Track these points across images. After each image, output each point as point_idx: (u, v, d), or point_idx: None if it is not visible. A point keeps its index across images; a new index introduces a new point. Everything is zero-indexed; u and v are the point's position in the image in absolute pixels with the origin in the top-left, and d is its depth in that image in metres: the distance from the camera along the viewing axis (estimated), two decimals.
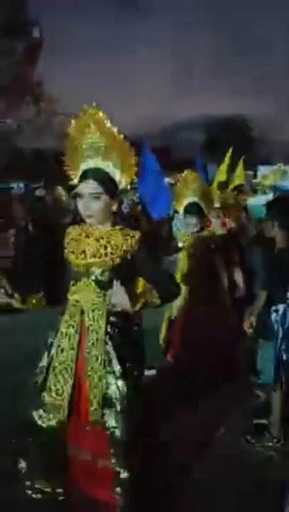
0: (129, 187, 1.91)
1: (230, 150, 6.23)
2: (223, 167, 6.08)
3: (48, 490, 1.84)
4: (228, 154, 6.19)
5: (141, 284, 1.93)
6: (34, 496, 1.86)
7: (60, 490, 1.84)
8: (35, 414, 1.82)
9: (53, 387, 1.78)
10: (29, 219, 6.82)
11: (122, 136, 1.78)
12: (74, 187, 1.88)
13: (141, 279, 1.91)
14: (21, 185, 10.33)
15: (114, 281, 1.67)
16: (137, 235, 1.79)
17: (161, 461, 2.09)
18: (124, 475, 1.70)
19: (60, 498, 1.84)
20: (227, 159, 6.16)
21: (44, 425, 1.80)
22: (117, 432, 1.70)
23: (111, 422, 1.70)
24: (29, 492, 1.86)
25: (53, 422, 1.78)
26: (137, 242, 1.76)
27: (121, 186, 1.83)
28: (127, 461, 1.72)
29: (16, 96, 12.22)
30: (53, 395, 1.77)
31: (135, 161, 1.82)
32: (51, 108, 14.95)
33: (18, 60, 12.85)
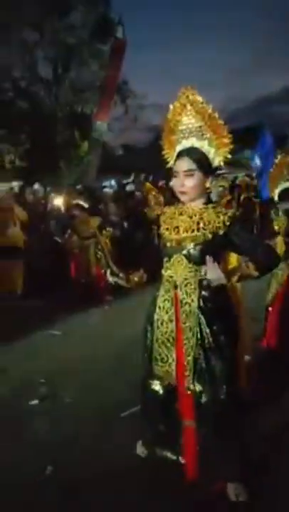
0: (221, 166, 1.98)
1: None
2: None
3: (172, 457, 2.08)
4: None
5: (233, 259, 2.01)
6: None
7: (180, 457, 2.06)
8: (150, 383, 2.07)
9: (158, 356, 2.01)
10: (123, 215, 7.21)
11: (216, 115, 1.89)
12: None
13: (234, 254, 1.99)
14: (113, 182, 10.83)
15: (207, 258, 1.79)
16: (230, 212, 1.89)
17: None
18: (204, 433, 1.91)
19: (182, 462, 2.05)
20: None
21: (161, 391, 2.04)
22: (203, 398, 1.90)
23: (198, 387, 1.90)
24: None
25: (164, 388, 2.02)
26: (229, 218, 1.86)
27: (215, 164, 1.93)
28: (210, 424, 1.91)
29: (105, 97, 12.79)
30: (159, 363, 2.00)
31: (230, 139, 1.92)
32: (138, 103, 15.42)
33: (106, 62, 13.44)
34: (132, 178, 9.89)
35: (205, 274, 1.85)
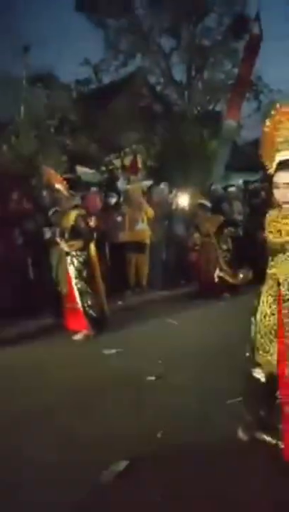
0: None
1: None
2: None
3: (271, 441, 2.23)
4: None
5: None
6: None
7: (280, 442, 2.19)
8: (253, 371, 2.25)
9: (260, 346, 2.18)
10: (245, 214, 7.23)
11: None
12: None
13: None
14: (240, 181, 10.77)
15: None
16: None
17: None
18: None
19: (281, 446, 2.18)
20: None
21: (262, 379, 2.20)
22: None
23: None
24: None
25: (265, 375, 2.17)
26: None
27: None
28: None
29: (237, 95, 12.72)
30: (261, 352, 2.17)
31: None
32: (270, 99, 14.93)
33: (239, 60, 13.34)
34: (258, 176, 9.72)
35: None
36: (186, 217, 6.81)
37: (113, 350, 4.08)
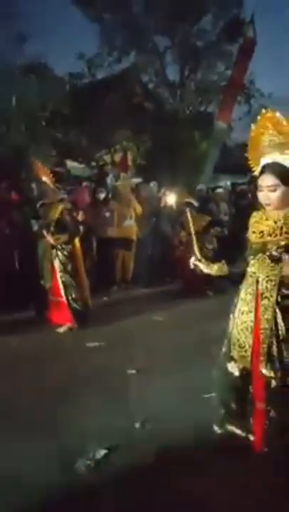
0: None
1: None
2: None
3: (241, 434, 2.29)
4: None
5: None
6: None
7: (250, 435, 2.27)
8: (228, 365, 2.32)
9: (236, 341, 2.25)
10: (231, 215, 7.33)
11: None
12: None
13: None
14: (228, 183, 10.89)
15: (284, 256, 1.98)
16: None
17: None
18: (272, 414, 2.10)
19: (251, 439, 2.25)
20: None
21: (236, 373, 2.27)
22: (273, 383, 2.09)
23: (270, 373, 2.09)
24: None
25: (239, 370, 2.25)
26: None
27: None
28: (278, 406, 2.09)
29: (229, 97, 12.81)
30: (237, 348, 2.24)
31: None
32: (260, 103, 15.07)
33: (232, 63, 13.43)
34: (246, 178, 9.85)
35: (281, 269, 2.04)
36: (173, 215, 6.88)
37: (96, 344, 4.13)
